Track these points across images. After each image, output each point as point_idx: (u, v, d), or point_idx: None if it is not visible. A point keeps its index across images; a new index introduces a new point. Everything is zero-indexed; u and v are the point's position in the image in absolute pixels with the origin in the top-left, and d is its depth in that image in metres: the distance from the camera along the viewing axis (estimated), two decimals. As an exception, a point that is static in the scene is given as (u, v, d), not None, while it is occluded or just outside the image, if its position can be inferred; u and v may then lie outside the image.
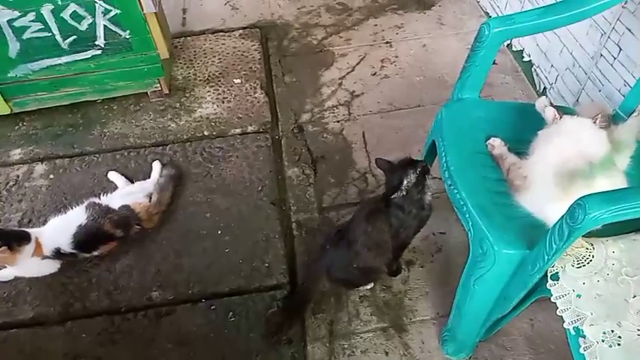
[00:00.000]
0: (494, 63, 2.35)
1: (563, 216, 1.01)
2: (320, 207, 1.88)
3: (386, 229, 1.46)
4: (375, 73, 2.39)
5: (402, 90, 2.30)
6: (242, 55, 2.48)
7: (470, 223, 1.25)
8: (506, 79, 2.31)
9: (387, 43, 2.54)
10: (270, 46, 2.55)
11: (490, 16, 2.58)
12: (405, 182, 1.41)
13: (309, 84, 2.36)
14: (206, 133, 2.14)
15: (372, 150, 2.07)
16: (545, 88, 2.15)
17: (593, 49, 1.80)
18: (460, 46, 2.50)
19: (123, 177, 1.94)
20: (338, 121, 2.19)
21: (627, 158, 1.26)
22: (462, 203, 1.27)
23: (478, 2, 2.70)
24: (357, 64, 2.44)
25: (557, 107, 1.44)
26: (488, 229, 1.19)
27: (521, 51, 2.30)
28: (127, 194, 1.82)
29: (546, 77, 2.13)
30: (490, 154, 1.37)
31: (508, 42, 2.41)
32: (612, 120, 1.39)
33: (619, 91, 1.70)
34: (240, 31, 2.62)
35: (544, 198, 1.19)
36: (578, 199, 0.97)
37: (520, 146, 1.33)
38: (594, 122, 1.24)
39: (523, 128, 1.40)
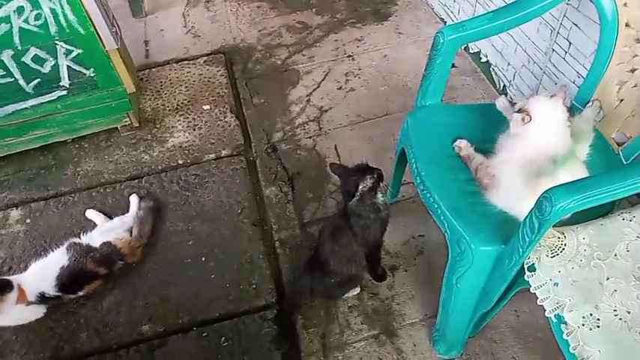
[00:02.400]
0: (453, 66, 2.44)
1: (532, 210, 1.06)
2: (301, 223, 1.91)
3: (352, 241, 1.50)
4: (340, 87, 2.44)
5: (368, 101, 2.36)
6: (208, 81, 2.50)
7: (446, 225, 1.29)
8: (466, 81, 2.39)
9: (349, 56, 2.60)
10: (236, 70, 2.59)
11: (445, 22, 2.67)
12: (360, 187, 1.44)
13: (277, 103, 2.40)
14: (180, 161, 2.15)
15: (346, 162, 2.09)
16: (504, 85, 2.23)
17: (545, 45, 1.89)
18: (419, 53, 2.58)
19: (101, 214, 1.94)
20: (310, 137, 2.23)
21: (586, 148, 1.33)
22: (435, 206, 1.32)
23: (433, 9, 2.79)
24: (323, 79, 2.49)
25: (515, 104, 1.52)
26: (463, 228, 1.24)
27: (479, 52, 2.38)
28: (107, 231, 1.81)
29: (504, 75, 2.22)
30: (458, 155, 1.42)
31: (465, 45, 2.49)
32: (570, 112, 1.46)
33: (573, 82, 1.79)
34: (205, 57, 2.65)
35: (513, 196, 1.25)
36: (544, 192, 1.02)
37: (486, 145, 1.39)
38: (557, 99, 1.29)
39: (486, 128, 1.46)
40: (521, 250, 1.11)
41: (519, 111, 1.28)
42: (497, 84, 2.28)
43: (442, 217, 1.30)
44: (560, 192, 1.01)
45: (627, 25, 1.33)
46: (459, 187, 1.35)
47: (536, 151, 1.24)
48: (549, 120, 1.27)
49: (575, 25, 1.71)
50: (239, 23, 2.88)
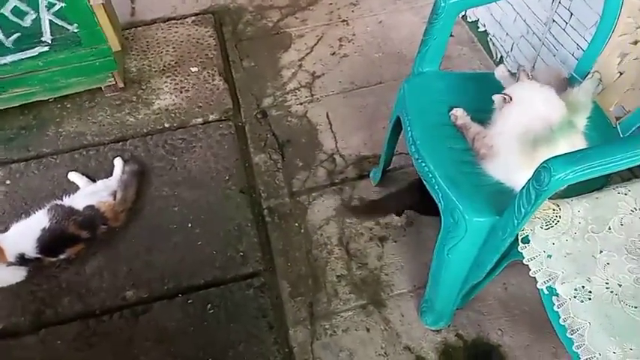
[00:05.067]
0: (450, 35, 2.37)
1: (529, 180, 1.03)
2: (290, 191, 1.87)
3: None
4: (334, 53, 2.37)
5: (362, 68, 2.30)
6: (197, 42, 2.41)
7: (440, 195, 1.26)
8: (463, 51, 2.34)
9: (343, 21, 2.52)
10: (225, 32, 2.49)
11: (443, -11, 2.59)
12: None
13: (268, 68, 2.32)
14: (166, 125, 2.08)
15: (338, 130, 2.06)
16: (501, 56, 2.18)
17: (546, 15, 1.84)
18: (416, 20, 2.51)
19: (84, 177, 1.88)
20: (301, 104, 2.17)
21: (584, 119, 1.29)
22: (430, 176, 1.29)
23: (430, -25, 2.71)
24: (315, 44, 2.42)
25: (513, 74, 1.48)
26: (457, 198, 1.21)
27: (476, 21, 2.32)
28: (91, 194, 1.76)
29: (502, 46, 2.17)
30: (454, 124, 1.39)
31: (463, 13, 2.43)
32: (568, 83, 1.43)
33: (572, 54, 1.75)
34: (193, 17, 2.55)
35: (510, 166, 1.22)
36: (543, 162, 0.99)
37: (482, 115, 1.35)
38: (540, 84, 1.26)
39: (484, 97, 1.41)
40: (516, 221, 1.09)
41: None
42: (494, 54, 2.23)
43: (436, 187, 1.27)
44: (559, 162, 0.98)
45: (633, -5, 1.29)
46: (454, 157, 1.31)
47: (532, 119, 1.21)
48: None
49: (578, -6, 1.66)
50: (230, -17, 2.77)
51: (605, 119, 1.35)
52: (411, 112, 1.42)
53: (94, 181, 1.86)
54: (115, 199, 1.76)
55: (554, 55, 1.84)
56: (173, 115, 2.12)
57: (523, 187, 1.05)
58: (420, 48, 1.49)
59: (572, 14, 1.71)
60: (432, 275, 1.41)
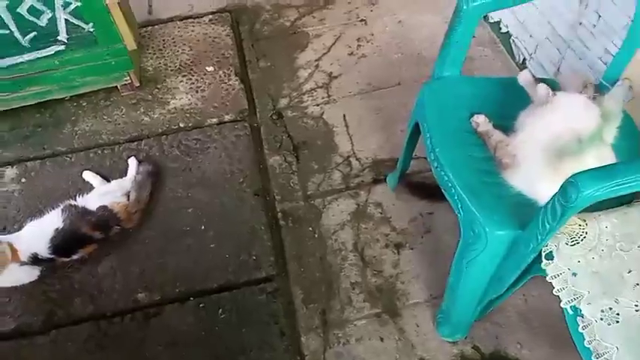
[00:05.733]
0: (472, 36, 2.32)
1: (555, 195, 0.98)
2: (305, 195, 1.84)
3: None
4: (351, 53, 2.33)
5: (380, 69, 2.25)
6: (213, 41, 2.39)
7: (459, 205, 1.22)
8: (484, 52, 2.28)
9: (361, 21, 2.47)
10: (242, 31, 2.47)
11: (465, -12, 2.53)
12: None
13: (284, 68, 2.29)
14: (181, 125, 2.07)
15: (354, 133, 2.02)
16: (524, 59, 2.12)
17: (572, 18, 1.77)
18: (437, 20, 2.45)
19: (98, 176, 1.87)
20: (317, 105, 2.13)
21: (614, 129, 1.24)
22: (449, 185, 1.24)
23: (452, -26, 2.65)
24: (333, 44, 2.38)
25: (539, 79, 1.43)
26: (478, 210, 1.17)
27: (499, 22, 2.26)
28: (104, 194, 1.75)
29: (525, 48, 2.10)
30: (475, 131, 1.34)
31: (485, 14, 2.36)
32: (597, 90, 1.37)
33: (600, 59, 1.68)
34: (210, 16, 2.52)
35: (534, 176, 1.17)
36: (570, 177, 0.94)
37: (505, 122, 1.31)
38: (585, 95, 1.22)
39: (507, 103, 1.38)
40: (539, 236, 1.04)
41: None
42: (516, 56, 2.17)
43: (456, 197, 1.23)
44: (587, 178, 0.93)
45: (669, -3, 1.23)
46: (474, 166, 1.27)
47: (561, 128, 1.16)
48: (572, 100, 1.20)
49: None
50: (247, -19, 2.74)
51: (635, 129, 1.29)
52: (431, 118, 1.38)
53: (108, 180, 1.85)
54: (128, 200, 1.75)
55: (581, 59, 1.77)
56: (188, 115, 2.10)
57: (548, 202, 1.01)
58: (441, 51, 1.45)
59: (600, 16, 1.65)
60: (450, 286, 1.36)
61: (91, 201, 1.72)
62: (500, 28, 2.26)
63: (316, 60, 2.31)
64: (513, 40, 2.17)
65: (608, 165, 1.00)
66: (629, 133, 1.27)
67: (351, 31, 2.43)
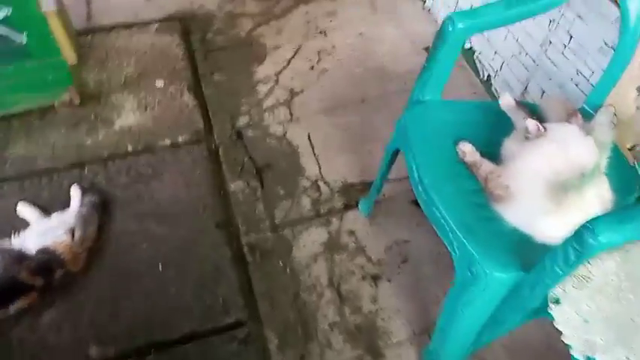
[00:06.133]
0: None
1: (568, 240, 0.91)
2: (272, 224, 1.70)
3: None
4: (312, 67, 2.21)
5: (343, 84, 2.15)
6: (162, 52, 2.20)
7: (454, 245, 1.13)
8: (448, 67, 2.23)
9: (321, 32, 2.36)
10: (193, 41, 2.29)
11: (424, 0, 2.48)
12: None
13: (242, 82, 2.14)
14: (130, 148, 1.87)
15: (320, 154, 1.91)
16: (489, 76, 2.09)
17: (542, 36, 1.75)
18: (397, 33, 2.38)
19: (36, 209, 1.64)
20: (280, 123, 2.00)
21: (605, 160, 1.20)
22: (442, 222, 1.15)
23: (410, -15, 2.59)
24: (293, 57, 2.25)
25: (520, 103, 1.38)
26: (476, 250, 1.08)
27: (462, 37, 2.22)
28: (44, 232, 1.53)
29: (490, 65, 2.07)
30: (462, 161, 1.26)
31: (446, 27, 2.32)
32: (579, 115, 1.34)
33: (572, 80, 1.66)
34: (157, 24, 2.32)
35: (533, 211, 1.10)
36: (586, 222, 0.88)
37: (490, 149, 1.25)
38: (575, 125, 1.17)
39: (490, 129, 1.32)
40: (548, 281, 0.97)
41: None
42: (481, 74, 2.13)
43: (450, 235, 1.13)
44: (603, 224, 0.87)
45: (655, 24, 1.20)
46: (466, 199, 1.19)
47: (561, 162, 1.10)
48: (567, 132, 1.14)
49: (579, 17, 1.57)
50: (195, -14, 2.55)
51: (622, 157, 1.26)
52: (415, 147, 1.28)
53: (47, 214, 1.63)
54: (73, 238, 1.54)
55: (550, 79, 1.75)
56: (137, 136, 1.90)
57: (559, 247, 0.93)
58: (422, 75, 1.36)
59: (571, 37, 1.63)
60: (440, 328, 1.28)
61: (29, 241, 1.50)
62: (463, 45, 2.21)
63: (276, 74, 2.18)
64: (477, 57, 2.14)
65: (623, 209, 0.94)
66: (616, 161, 1.23)
67: (310, 44, 2.31)
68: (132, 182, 1.77)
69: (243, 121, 2.00)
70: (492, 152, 1.24)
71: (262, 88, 2.12)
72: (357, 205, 1.76)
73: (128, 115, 1.96)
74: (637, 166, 1.23)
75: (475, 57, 2.15)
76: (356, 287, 1.57)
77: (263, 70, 2.19)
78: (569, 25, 1.62)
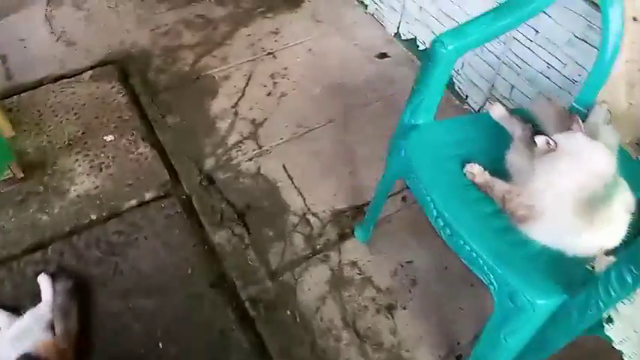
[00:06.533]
0: (386, 56, 2.23)
1: (622, 263, 0.89)
2: (269, 271, 1.59)
3: None
4: (269, 93, 2.10)
5: (305, 106, 2.06)
6: (103, 102, 2.00)
7: (491, 277, 1.08)
8: (404, 72, 2.20)
9: (269, 54, 2.25)
10: (135, 84, 2.10)
11: (366, 5, 2.43)
12: None
13: (199, 121, 1.99)
14: (93, 216, 1.68)
15: (301, 184, 1.81)
16: (451, 76, 2.07)
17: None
18: (345, 43, 2.32)
19: (2, 311, 1.44)
20: (250, 160, 1.88)
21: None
22: (473, 255, 1.10)
23: (347, -10, 2.53)
24: (246, 85, 2.13)
25: (511, 111, 1.35)
26: (517, 280, 1.04)
27: (414, 39, 2.19)
28: (21, 335, 1.34)
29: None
30: (472, 183, 1.22)
31: (395, 31, 2.28)
32: (569, 114, 1.33)
33: (541, 73, 1.67)
34: (90, 72, 2.12)
35: (563, 229, 1.08)
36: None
37: (495, 165, 1.21)
38: (580, 131, 1.15)
39: (490, 143, 1.29)
40: (602, 304, 0.94)
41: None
42: (441, 73, 2.11)
43: (485, 268, 1.09)
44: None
45: (635, 19, 1.21)
46: (488, 225, 1.14)
47: (583, 176, 1.08)
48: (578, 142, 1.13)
49: (543, 11, 1.57)
50: (123, 22, 2.35)
51: (625, 152, 1.26)
52: (425, 178, 1.22)
53: (18, 313, 1.43)
54: (54, 334, 1.36)
55: (519, 74, 1.75)
56: (99, 201, 1.72)
57: (613, 270, 0.91)
58: (413, 98, 1.30)
59: (537, 32, 1.63)
60: (480, 356, 1.23)
61: (3, 351, 1.30)
62: (417, 46, 2.19)
63: (233, 106, 2.05)
64: (434, 57, 2.11)
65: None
66: (620, 158, 1.23)
67: (261, 68, 2.19)
68: (105, 255, 1.60)
69: (210, 163, 1.86)
70: (499, 169, 1.21)
71: (222, 124, 1.99)
72: (352, 233, 1.68)
73: (82, 180, 1.77)
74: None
75: (431, 58, 2.12)
76: (372, 322, 1.50)
77: (218, 105, 2.05)
78: (533, 20, 1.61)
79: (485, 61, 1.87)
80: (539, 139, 1.13)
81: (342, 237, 1.68)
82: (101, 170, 1.80)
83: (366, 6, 2.42)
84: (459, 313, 1.53)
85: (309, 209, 1.75)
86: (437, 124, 1.33)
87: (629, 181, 1.16)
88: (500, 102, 1.86)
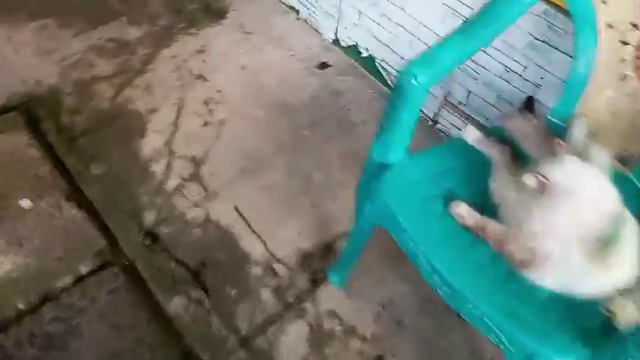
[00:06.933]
0: (327, 65, 2.06)
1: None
2: (240, 338, 1.41)
3: None
4: (206, 123, 1.88)
5: (249, 133, 1.86)
6: (12, 159, 1.70)
7: (502, 338, 0.97)
8: (349, 82, 2.04)
9: (198, 77, 2.01)
10: (47, 131, 1.80)
11: (297, 11, 2.23)
12: None
13: (129, 167, 1.74)
14: (21, 305, 1.41)
15: (259, 227, 1.63)
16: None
17: (456, 38, 1.61)
18: (281, 54, 2.12)
19: None
20: (196, 205, 1.66)
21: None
22: (484, 320, 0.98)
23: (274, -5, 2.32)
24: (178, 116, 1.89)
25: (485, 131, 1.24)
26: (533, 341, 0.93)
27: (355, 46, 2.03)
28: None
29: (397, 71, 1.91)
30: (460, 224, 1.09)
31: (334, 37, 2.11)
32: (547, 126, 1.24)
33: (500, 77, 1.57)
34: (-11, 123, 1.80)
35: (572, 273, 0.98)
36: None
37: (482, 199, 1.11)
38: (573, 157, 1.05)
39: (471, 171, 1.19)
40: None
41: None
42: (389, 81, 1.97)
43: (496, 329, 0.97)
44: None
45: (609, 26, 1.11)
46: (489, 275, 1.03)
47: (588, 214, 0.97)
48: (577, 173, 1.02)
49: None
50: (23, 57, 2.02)
51: (618, 171, 1.17)
52: (411, 229, 1.08)
53: None
54: None
55: (476, 80, 1.64)
56: (25, 285, 1.45)
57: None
58: (382, 137, 1.15)
59: (493, 35, 1.51)
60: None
61: None
62: (359, 52, 2.03)
63: (166, 144, 1.81)
64: (380, 64, 1.97)
65: None
66: (620, 180, 1.14)
67: (192, 94, 1.96)
68: (43, 351, 1.34)
69: (150, 217, 1.63)
70: (486, 204, 1.10)
71: (157, 167, 1.74)
72: (325, 277, 1.53)
73: (0, 261, 1.49)
74: (632, 177, 1.16)
75: (377, 64, 1.98)
76: (364, 378, 1.37)
77: (149, 144, 1.80)
78: (487, 23, 1.50)
79: (437, 66, 1.74)
80: (530, 180, 1.02)
81: (315, 283, 1.52)
82: (21, 245, 1.52)
83: (298, 11, 2.22)
84: (453, 349, 1.43)
85: (272, 255, 1.57)
86: (411, 161, 1.19)
87: (625, 199, 1.08)
88: (457, 107, 1.75)
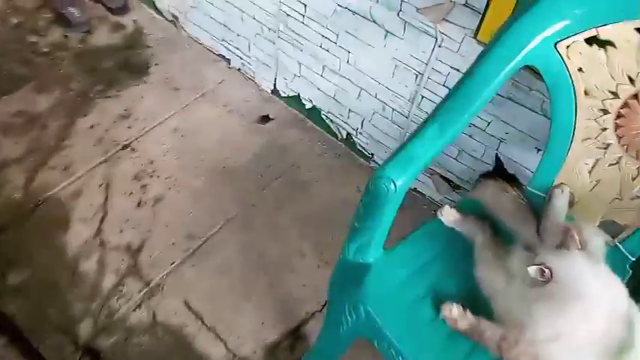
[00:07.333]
0: (269, 119, 1.91)
1: None
2: None
3: None
4: (139, 202, 1.66)
5: (191, 209, 1.66)
6: None
7: None
8: (296, 134, 1.88)
9: (124, 147, 1.78)
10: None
11: (229, 60, 2.04)
12: None
13: (54, 270, 1.49)
14: None
15: (215, 322, 1.44)
16: (348, 134, 1.80)
17: (409, 92, 1.51)
18: (217, 111, 1.93)
19: None
20: (139, 306, 1.45)
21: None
22: None
23: (200, 43, 2.12)
24: (106, 199, 1.65)
25: (462, 211, 1.13)
26: None
27: (297, 96, 1.87)
28: None
29: (346, 123, 1.78)
30: (454, 329, 0.97)
31: (272, 87, 1.95)
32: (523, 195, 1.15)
33: (462, 132, 1.46)
34: None
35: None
36: None
37: (471, 291, 0.99)
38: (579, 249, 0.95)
39: (456, 257, 1.07)
40: None
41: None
42: (338, 133, 1.84)
43: None
44: None
45: (587, 93, 1.02)
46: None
47: (599, 319, 0.87)
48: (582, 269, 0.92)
49: (457, 69, 1.35)
50: None
51: (625, 255, 1.10)
52: (403, 346, 0.94)
53: None
54: None
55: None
56: None
57: None
58: (356, 237, 1.01)
59: (449, 89, 1.41)
60: None
61: None
62: (303, 104, 1.87)
63: (95, 235, 1.57)
64: (326, 115, 1.83)
65: None
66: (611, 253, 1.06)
67: (120, 169, 1.73)
68: None
69: (86, 328, 1.40)
70: (476, 296, 0.98)
71: (88, 265, 1.51)
72: (299, 368, 1.37)
73: None
74: (621, 247, 1.08)
75: (323, 116, 1.83)
76: None
77: (75, 237, 1.56)
78: (443, 78, 1.40)
79: (390, 119, 1.62)
80: (532, 269, 0.91)
81: (288, 378, 1.36)
82: None
83: (229, 60, 2.04)
84: None
85: (235, 355, 1.38)
86: (390, 257, 1.05)
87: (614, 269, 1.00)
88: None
